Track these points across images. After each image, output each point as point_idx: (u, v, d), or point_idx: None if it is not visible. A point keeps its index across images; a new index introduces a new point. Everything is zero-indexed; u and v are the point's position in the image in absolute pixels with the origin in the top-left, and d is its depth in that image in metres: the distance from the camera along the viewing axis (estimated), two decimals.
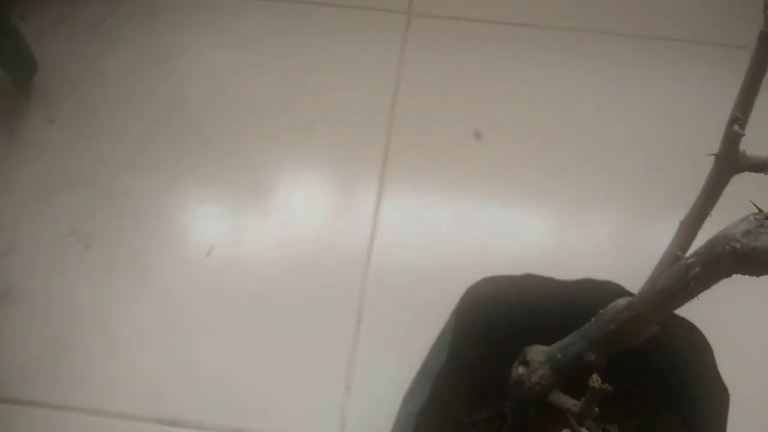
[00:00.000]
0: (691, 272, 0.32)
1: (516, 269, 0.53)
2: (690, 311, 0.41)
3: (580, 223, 0.83)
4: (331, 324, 0.76)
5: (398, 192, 0.85)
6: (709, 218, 0.39)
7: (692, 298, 0.34)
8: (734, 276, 0.32)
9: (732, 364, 0.51)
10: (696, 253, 0.33)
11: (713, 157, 0.37)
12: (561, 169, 0.85)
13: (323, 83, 0.93)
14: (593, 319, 0.40)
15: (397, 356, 0.70)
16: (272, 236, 0.82)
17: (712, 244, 0.31)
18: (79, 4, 1.00)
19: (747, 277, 0.32)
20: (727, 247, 0.30)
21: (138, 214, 0.84)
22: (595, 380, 0.35)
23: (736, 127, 0.33)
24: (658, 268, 0.40)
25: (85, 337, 0.76)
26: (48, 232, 0.82)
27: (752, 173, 0.36)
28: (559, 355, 0.41)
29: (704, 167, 0.39)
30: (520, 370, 0.43)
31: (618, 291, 0.48)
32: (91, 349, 0.75)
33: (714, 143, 0.37)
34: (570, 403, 0.40)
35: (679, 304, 0.36)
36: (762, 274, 0.30)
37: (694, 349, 0.51)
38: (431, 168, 0.87)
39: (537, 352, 0.43)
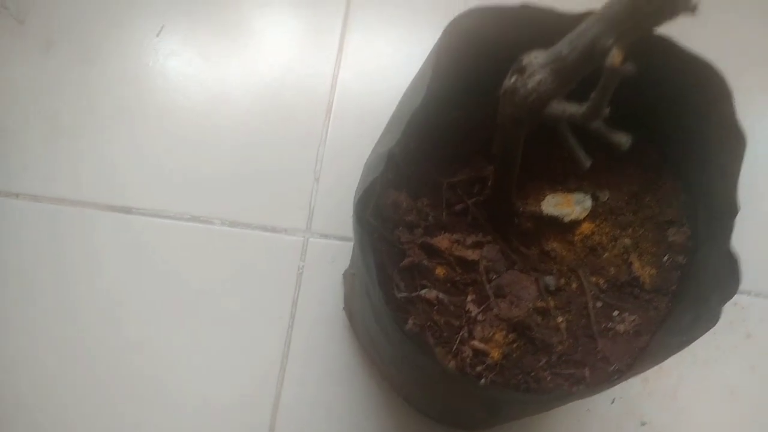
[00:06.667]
0: None
1: None
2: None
3: None
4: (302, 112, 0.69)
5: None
6: None
7: None
8: None
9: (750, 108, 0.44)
10: None
11: None
12: None
13: None
14: None
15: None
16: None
17: None
18: None
19: None
20: None
21: None
22: (614, 56, 0.29)
23: None
24: None
25: (24, 122, 0.68)
26: None
27: None
28: (564, 51, 0.33)
29: None
30: (513, 79, 0.36)
31: None
32: (30, 135, 0.68)
33: None
34: (574, 107, 0.34)
35: None
36: None
37: (708, 94, 0.44)
38: None
39: (536, 55, 0.35)
